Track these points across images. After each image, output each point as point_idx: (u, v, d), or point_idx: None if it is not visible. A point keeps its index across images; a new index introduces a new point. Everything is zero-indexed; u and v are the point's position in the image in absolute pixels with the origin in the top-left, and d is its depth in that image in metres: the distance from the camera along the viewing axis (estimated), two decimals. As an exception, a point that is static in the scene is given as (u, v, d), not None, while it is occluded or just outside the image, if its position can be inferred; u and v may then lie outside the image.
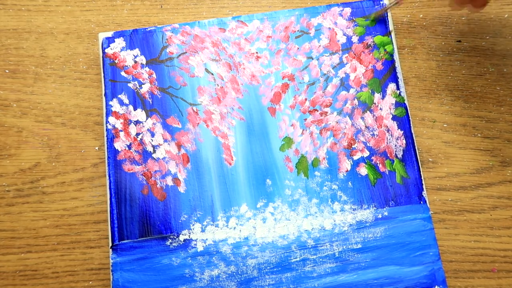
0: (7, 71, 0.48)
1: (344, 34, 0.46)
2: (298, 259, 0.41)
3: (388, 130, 0.44)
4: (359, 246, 0.41)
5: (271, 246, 0.41)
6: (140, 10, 0.50)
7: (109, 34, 0.46)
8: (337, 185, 0.43)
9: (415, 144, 0.43)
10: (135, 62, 0.46)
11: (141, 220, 0.42)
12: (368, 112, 0.44)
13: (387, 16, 0.46)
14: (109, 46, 0.46)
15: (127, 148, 0.44)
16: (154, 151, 0.44)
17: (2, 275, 0.43)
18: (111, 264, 0.41)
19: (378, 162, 0.43)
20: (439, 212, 0.44)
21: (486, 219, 0.43)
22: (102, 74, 0.46)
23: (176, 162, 0.43)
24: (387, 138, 0.43)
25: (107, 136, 0.44)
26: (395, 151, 0.43)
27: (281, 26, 0.47)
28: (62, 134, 0.46)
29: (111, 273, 0.41)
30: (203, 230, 0.42)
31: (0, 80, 0.48)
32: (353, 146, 0.43)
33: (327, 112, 0.44)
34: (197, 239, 0.41)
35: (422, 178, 0.42)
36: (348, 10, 0.47)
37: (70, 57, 0.49)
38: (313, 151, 0.44)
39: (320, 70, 0.45)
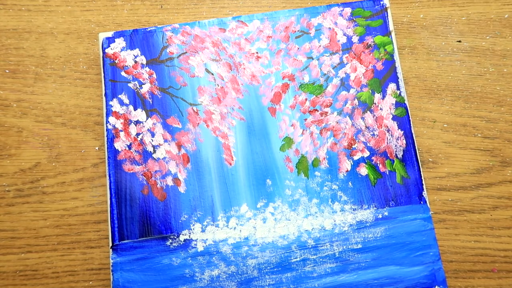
0: (7, 71, 0.48)
1: (344, 34, 0.46)
2: (298, 259, 0.41)
3: (388, 130, 0.44)
4: (359, 246, 0.41)
5: (271, 246, 0.41)
6: (140, 10, 0.50)
7: (109, 34, 0.46)
8: (337, 185, 0.43)
9: (415, 144, 0.43)
10: (135, 62, 0.46)
11: (141, 220, 0.42)
12: (368, 112, 0.44)
13: (387, 16, 0.46)
14: (109, 46, 0.46)
15: (127, 148, 0.44)
16: (154, 151, 0.44)
17: (2, 275, 0.43)
18: (111, 264, 0.41)
19: (378, 162, 0.43)
20: (439, 212, 0.44)
21: (486, 219, 0.43)
22: (102, 74, 0.46)
23: (176, 162, 0.43)
24: (387, 138, 0.43)
25: (107, 136, 0.44)
26: (395, 151, 0.43)
27: (281, 26, 0.47)
28: (62, 134, 0.46)
29: (111, 273, 0.41)
30: (203, 230, 0.42)
31: (0, 80, 0.48)
32: (353, 146, 0.43)
33: (327, 112, 0.44)
34: (197, 239, 0.41)
35: (422, 178, 0.42)
36: (348, 10, 0.47)
37: (70, 57, 0.49)
38: (313, 151, 0.44)
39: (320, 70, 0.45)
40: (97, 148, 0.46)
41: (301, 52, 0.46)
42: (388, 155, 0.43)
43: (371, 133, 0.44)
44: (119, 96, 0.45)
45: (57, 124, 0.47)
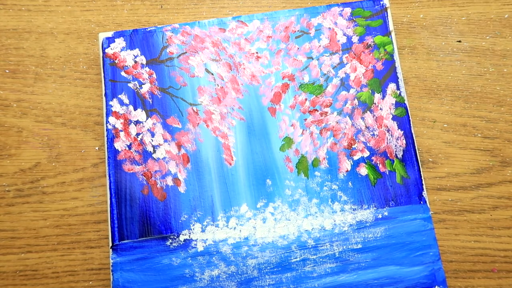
0: (7, 71, 0.48)
1: (344, 34, 0.46)
2: (298, 259, 0.41)
3: (388, 130, 0.44)
4: (359, 246, 0.41)
5: (271, 246, 0.41)
6: (140, 10, 0.50)
7: (109, 34, 0.46)
8: (337, 185, 0.43)
9: (415, 144, 0.43)
10: (135, 62, 0.46)
11: (141, 220, 0.42)
12: (368, 112, 0.44)
13: (387, 16, 0.46)
14: (109, 46, 0.46)
15: (127, 148, 0.44)
16: (154, 151, 0.44)
17: (2, 275, 0.43)
18: (111, 264, 0.41)
19: (378, 162, 0.43)
20: (439, 212, 0.44)
21: (486, 219, 0.43)
22: (102, 74, 0.46)
23: (176, 162, 0.43)
24: (387, 138, 0.43)
25: (107, 136, 0.44)
26: (395, 151, 0.43)
27: (281, 26, 0.47)
28: (62, 134, 0.46)
29: (111, 273, 0.41)
30: (203, 230, 0.42)
31: (0, 80, 0.48)
32: (353, 146, 0.43)
33: (327, 112, 0.44)
34: (197, 239, 0.41)
35: (422, 178, 0.42)
36: (348, 10, 0.47)
37: (70, 57, 0.49)
38: (313, 151, 0.44)
39: (320, 70, 0.45)
40: (97, 148, 0.46)
41: (301, 52, 0.46)
42: (388, 155, 0.43)
43: (371, 133, 0.44)
44: (119, 96, 0.45)
45: (57, 124, 0.47)
